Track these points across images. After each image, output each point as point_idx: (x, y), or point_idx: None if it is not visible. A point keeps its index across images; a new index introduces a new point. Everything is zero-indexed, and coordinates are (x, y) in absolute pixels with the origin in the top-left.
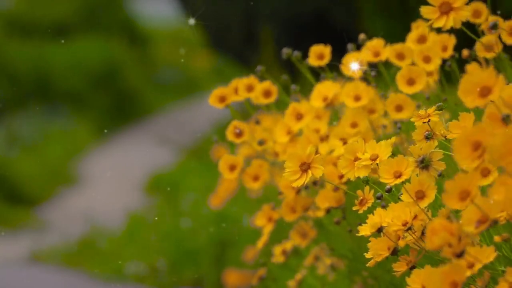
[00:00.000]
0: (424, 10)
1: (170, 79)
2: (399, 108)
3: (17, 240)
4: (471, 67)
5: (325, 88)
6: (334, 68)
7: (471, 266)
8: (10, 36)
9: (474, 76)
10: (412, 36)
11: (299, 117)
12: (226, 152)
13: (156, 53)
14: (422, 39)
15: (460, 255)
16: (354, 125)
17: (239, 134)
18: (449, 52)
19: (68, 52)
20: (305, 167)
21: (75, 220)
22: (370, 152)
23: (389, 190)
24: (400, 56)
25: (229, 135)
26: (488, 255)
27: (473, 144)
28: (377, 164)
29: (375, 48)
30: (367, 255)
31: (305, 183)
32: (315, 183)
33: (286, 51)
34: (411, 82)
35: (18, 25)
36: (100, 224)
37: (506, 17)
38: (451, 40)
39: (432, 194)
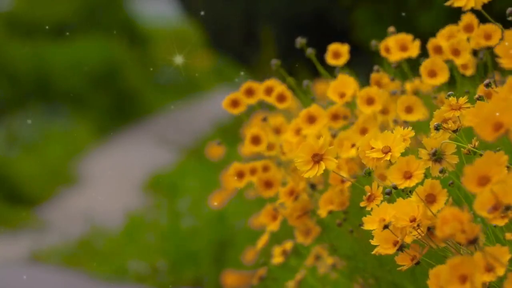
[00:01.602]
0: None
1: (170, 79)
2: (433, 73)
3: (17, 240)
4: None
5: (341, 84)
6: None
7: (489, 268)
8: (10, 36)
9: None
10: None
11: (312, 120)
12: (222, 151)
13: (156, 53)
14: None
15: (473, 241)
16: (363, 131)
17: (256, 141)
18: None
19: (68, 52)
20: (317, 158)
21: (75, 220)
22: (382, 143)
23: (396, 187)
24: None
25: (247, 144)
26: (503, 254)
27: (494, 125)
28: (388, 160)
29: (404, 41)
30: (373, 242)
31: (317, 174)
32: (312, 186)
33: (300, 40)
34: (432, 74)
35: (18, 25)
36: (100, 224)
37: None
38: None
39: (442, 200)
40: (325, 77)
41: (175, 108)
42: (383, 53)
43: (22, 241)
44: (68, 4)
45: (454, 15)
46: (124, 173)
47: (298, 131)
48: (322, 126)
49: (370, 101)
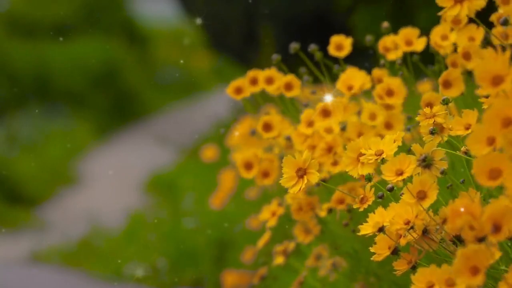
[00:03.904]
0: None
1: (170, 79)
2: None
3: (17, 240)
4: (487, 52)
5: (350, 77)
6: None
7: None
8: (10, 36)
9: (487, 64)
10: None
11: (326, 114)
12: (215, 151)
13: (156, 53)
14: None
15: (482, 239)
16: (372, 116)
17: (268, 128)
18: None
19: (68, 52)
20: (301, 172)
21: (75, 220)
22: (374, 148)
23: (391, 189)
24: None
25: (259, 128)
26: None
27: (503, 120)
28: (382, 159)
29: (408, 37)
30: (372, 249)
31: (301, 189)
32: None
33: (293, 45)
34: (447, 84)
35: (18, 25)
36: (100, 224)
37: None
38: None
39: (433, 195)
40: (323, 78)
41: (175, 108)
42: (381, 51)
43: (22, 241)
44: (68, 4)
45: None
46: (124, 173)
47: (310, 124)
48: (336, 120)
49: (390, 93)
